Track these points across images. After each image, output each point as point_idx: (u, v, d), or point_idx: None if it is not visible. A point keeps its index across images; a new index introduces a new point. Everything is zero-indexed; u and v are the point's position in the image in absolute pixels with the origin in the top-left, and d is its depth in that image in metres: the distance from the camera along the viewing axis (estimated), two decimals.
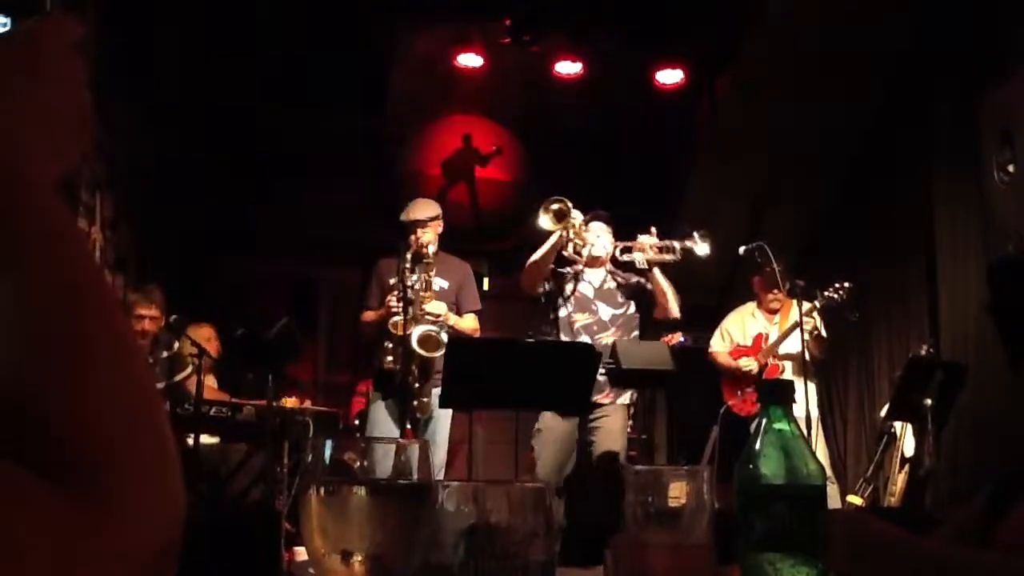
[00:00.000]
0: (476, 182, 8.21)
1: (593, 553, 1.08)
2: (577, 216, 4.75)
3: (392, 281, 4.70)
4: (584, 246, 4.80)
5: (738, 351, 5.70)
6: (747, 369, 5.56)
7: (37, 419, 0.49)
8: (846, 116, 6.78)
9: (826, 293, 5.34)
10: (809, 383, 5.29)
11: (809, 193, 7.29)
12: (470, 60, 7.01)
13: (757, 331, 5.69)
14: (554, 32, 6.87)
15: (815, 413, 5.45)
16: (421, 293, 4.61)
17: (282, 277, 8.02)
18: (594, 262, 4.85)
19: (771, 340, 5.59)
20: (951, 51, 5.84)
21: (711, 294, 7.62)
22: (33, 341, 0.51)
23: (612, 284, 4.88)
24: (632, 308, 4.86)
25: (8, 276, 0.52)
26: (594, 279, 4.86)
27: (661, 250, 4.81)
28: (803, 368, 5.10)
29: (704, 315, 7.02)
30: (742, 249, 5.35)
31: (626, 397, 4.83)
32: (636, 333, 4.89)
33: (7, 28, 0.61)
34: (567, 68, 7.06)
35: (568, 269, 4.84)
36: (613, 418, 4.75)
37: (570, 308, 4.77)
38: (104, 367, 0.52)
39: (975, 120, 5.53)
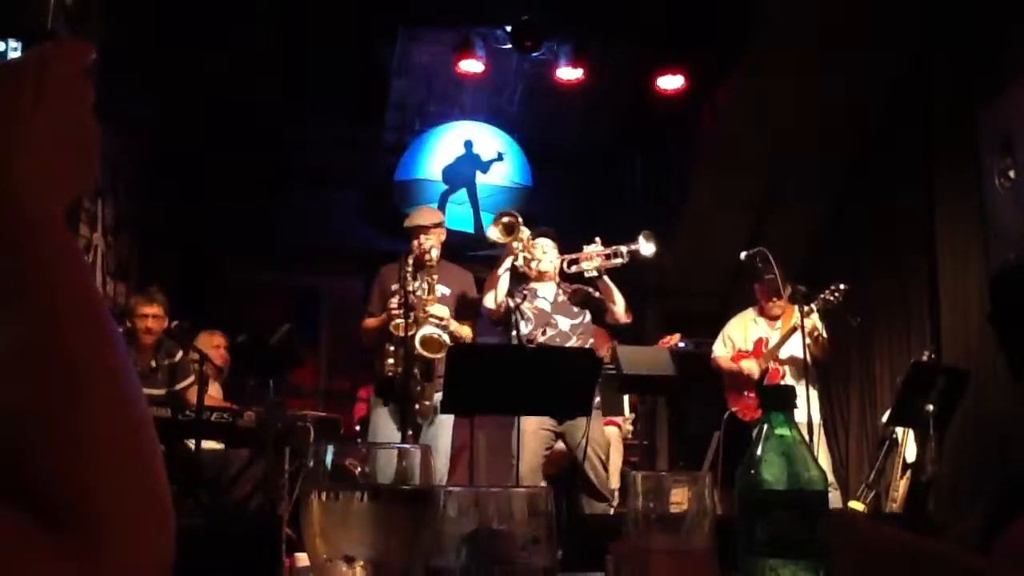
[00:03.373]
0: (477, 188, 8.23)
1: (594, 558, 1.08)
2: (525, 231, 4.93)
3: (394, 287, 4.71)
4: (533, 260, 4.97)
5: (740, 356, 5.70)
6: (748, 372, 5.55)
7: (32, 464, 0.49)
8: (846, 120, 6.78)
9: (823, 296, 5.34)
10: (811, 388, 5.28)
11: (809, 200, 7.29)
12: (471, 66, 7.02)
13: (758, 336, 5.69)
14: (555, 38, 6.89)
15: (817, 419, 5.45)
16: (424, 297, 4.63)
17: (283, 284, 8.02)
18: (542, 276, 5.02)
19: (771, 345, 5.59)
20: (952, 54, 5.84)
21: (712, 300, 7.63)
22: (29, 385, 0.51)
23: (563, 296, 5.04)
24: (587, 317, 5.03)
25: (6, 317, 0.52)
26: (547, 294, 5.02)
27: (608, 256, 4.98)
28: (805, 373, 5.10)
29: (705, 321, 7.02)
30: (743, 255, 5.36)
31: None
32: (592, 340, 5.04)
33: (18, 53, 0.59)
34: (568, 74, 7.07)
35: (519, 287, 4.97)
36: (592, 422, 4.82)
37: (531, 325, 4.91)
38: (100, 414, 0.52)
39: (975, 125, 5.54)
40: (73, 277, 0.55)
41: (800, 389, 5.13)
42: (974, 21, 5.56)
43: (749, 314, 5.82)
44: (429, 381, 4.61)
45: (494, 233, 4.90)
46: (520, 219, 4.91)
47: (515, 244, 4.88)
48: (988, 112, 5.43)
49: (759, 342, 5.67)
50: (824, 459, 5.40)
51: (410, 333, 4.51)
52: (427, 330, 4.55)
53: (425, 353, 4.53)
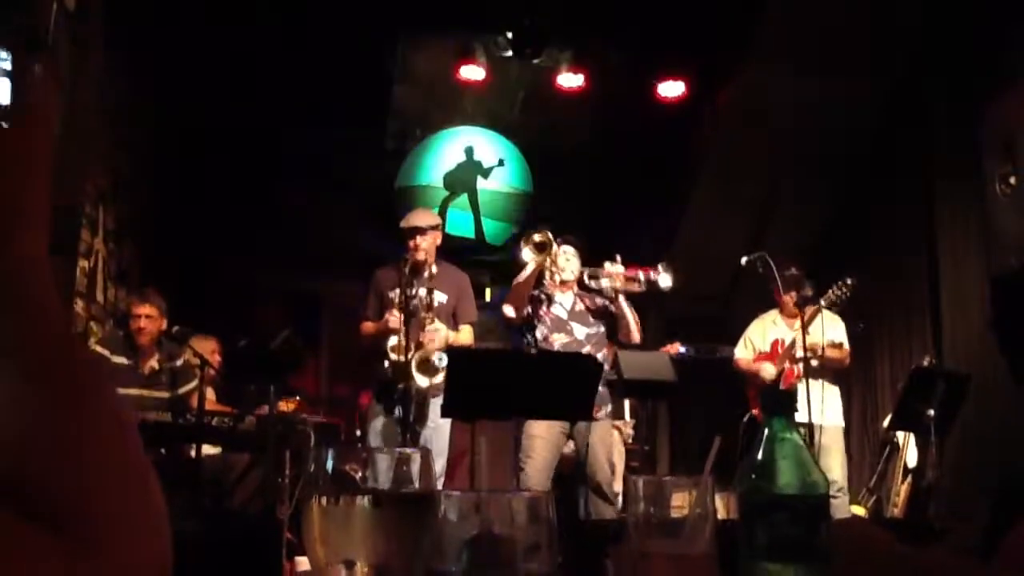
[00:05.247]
0: (478, 194, 8.23)
1: (595, 563, 1.08)
2: (555, 247, 4.98)
3: (392, 294, 4.69)
4: (556, 272, 5.01)
5: (760, 358, 5.65)
6: (766, 375, 5.51)
7: (29, 469, 0.52)
8: (846, 121, 6.78)
9: (830, 293, 5.32)
10: (829, 391, 5.27)
11: (810, 206, 7.29)
12: (472, 73, 7.03)
13: (775, 337, 5.64)
14: (556, 45, 6.89)
15: (835, 423, 5.40)
16: (422, 313, 4.62)
17: (284, 290, 8.02)
18: (563, 285, 5.05)
19: (787, 345, 5.56)
20: (952, 55, 5.84)
21: (714, 304, 7.63)
22: (38, 411, 0.54)
23: (581, 306, 5.08)
24: (602, 327, 5.08)
25: (13, 356, 0.55)
26: (565, 301, 5.06)
27: (627, 280, 5.05)
28: (819, 374, 5.10)
29: (707, 325, 7.03)
30: (744, 260, 5.35)
31: (604, 411, 4.90)
32: (606, 351, 5.08)
33: (6, 62, 0.60)
34: (569, 81, 7.08)
35: (539, 293, 4.98)
36: (601, 428, 4.85)
37: (547, 330, 4.95)
38: (100, 434, 0.55)
39: (976, 130, 5.54)
40: (66, 326, 0.60)
41: (815, 390, 5.13)
42: (974, 21, 5.56)
43: (770, 315, 5.76)
44: (424, 397, 4.62)
45: (527, 253, 4.92)
46: (551, 236, 4.95)
47: (547, 262, 4.93)
48: (988, 119, 5.43)
49: (775, 343, 5.62)
50: (839, 464, 5.34)
51: (408, 356, 4.52)
52: (422, 353, 4.56)
53: (422, 378, 4.54)
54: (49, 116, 0.62)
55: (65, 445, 0.53)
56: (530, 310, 4.90)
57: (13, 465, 0.52)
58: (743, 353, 5.74)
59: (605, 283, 5.03)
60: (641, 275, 5.04)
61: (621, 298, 5.00)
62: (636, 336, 5.06)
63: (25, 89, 0.60)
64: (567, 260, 5.04)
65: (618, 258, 5.08)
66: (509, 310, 4.91)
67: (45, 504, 0.51)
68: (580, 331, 4.98)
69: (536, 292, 4.99)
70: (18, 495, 0.51)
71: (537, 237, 4.95)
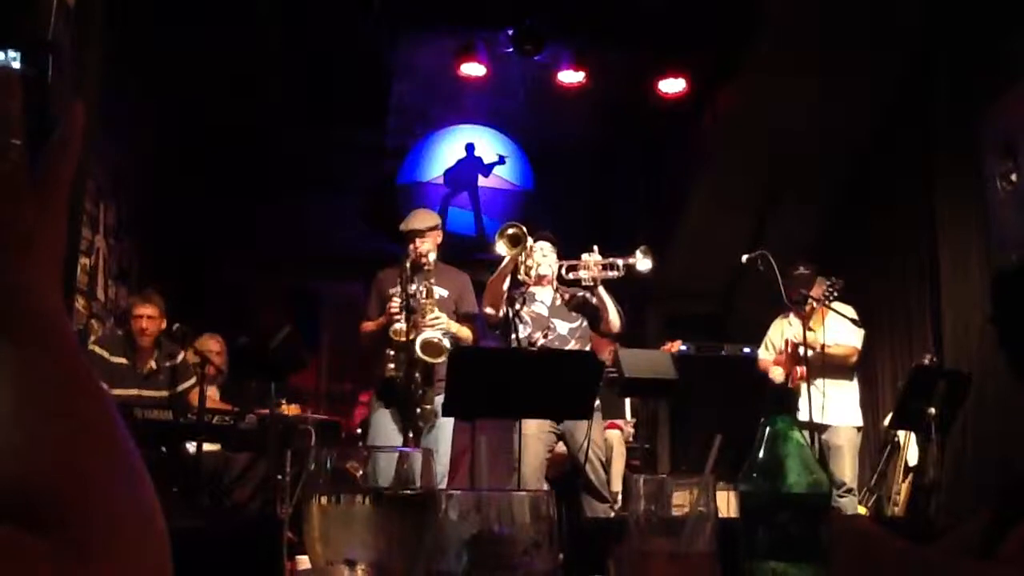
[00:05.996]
0: (479, 191, 8.23)
1: (596, 562, 1.08)
2: (530, 241, 4.95)
3: (392, 291, 4.70)
4: (533, 267, 4.98)
5: (780, 358, 5.63)
6: (773, 377, 5.49)
7: (37, 485, 0.52)
8: (847, 120, 6.78)
9: (822, 292, 5.31)
10: (842, 390, 5.24)
11: (810, 206, 7.29)
12: (473, 69, 7.03)
13: (789, 336, 5.63)
14: (557, 41, 6.90)
15: (853, 422, 5.36)
16: (422, 300, 4.62)
17: (284, 288, 8.02)
18: (540, 280, 5.02)
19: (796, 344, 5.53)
20: (953, 55, 5.83)
21: (713, 302, 7.63)
22: (35, 417, 0.55)
23: (561, 301, 5.05)
24: (584, 321, 5.04)
25: (17, 354, 0.56)
26: (544, 298, 5.02)
27: (605, 267, 4.99)
28: (827, 373, 5.08)
29: (707, 324, 7.02)
30: (744, 258, 5.34)
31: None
32: (590, 344, 5.06)
33: (16, 62, 0.59)
34: (569, 77, 7.08)
35: (517, 291, 4.95)
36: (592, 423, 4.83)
37: (529, 329, 4.91)
38: (97, 439, 0.56)
39: (977, 127, 5.53)
40: (69, 337, 0.59)
41: (833, 391, 5.11)
42: (975, 21, 5.56)
43: (787, 316, 5.75)
44: (430, 385, 4.60)
45: (501, 247, 4.90)
46: (525, 230, 4.92)
47: (521, 255, 4.90)
48: (990, 115, 5.43)
49: (786, 343, 5.61)
50: (850, 465, 5.30)
51: (411, 338, 4.51)
52: (428, 335, 4.54)
53: (426, 358, 4.52)
54: (75, 145, 0.63)
55: (62, 450, 0.53)
56: (510, 311, 4.86)
57: (10, 471, 0.52)
58: (764, 355, 5.73)
59: (584, 274, 4.98)
60: (619, 261, 4.98)
61: (601, 288, 4.96)
62: (617, 325, 5.01)
63: (61, 111, 0.61)
64: (543, 256, 5.00)
65: (595, 248, 5.02)
66: (490, 310, 4.88)
67: (42, 510, 0.51)
68: (563, 326, 4.95)
69: (514, 292, 4.97)
70: (15, 502, 0.51)
71: (511, 230, 4.91)
